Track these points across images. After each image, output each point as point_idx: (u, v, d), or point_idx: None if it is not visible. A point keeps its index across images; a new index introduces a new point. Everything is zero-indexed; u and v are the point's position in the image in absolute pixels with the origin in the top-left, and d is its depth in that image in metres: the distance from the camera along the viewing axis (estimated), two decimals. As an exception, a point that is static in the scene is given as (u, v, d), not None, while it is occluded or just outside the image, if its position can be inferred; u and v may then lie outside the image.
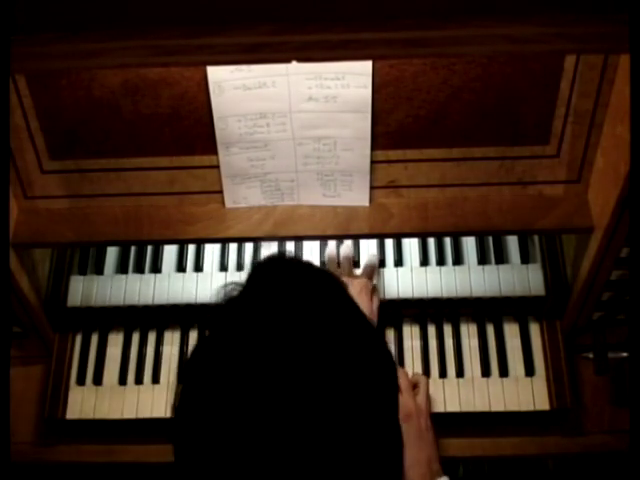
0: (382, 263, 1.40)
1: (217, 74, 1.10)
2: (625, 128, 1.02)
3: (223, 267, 1.42)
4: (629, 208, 1.06)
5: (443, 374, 1.35)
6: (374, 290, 1.33)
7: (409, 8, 0.88)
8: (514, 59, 1.09)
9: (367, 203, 1.22)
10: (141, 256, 1.42)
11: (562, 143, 1.15)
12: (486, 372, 1.34)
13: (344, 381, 0.64)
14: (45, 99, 1.14)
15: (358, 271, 1.37)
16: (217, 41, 0.90)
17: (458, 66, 1.10)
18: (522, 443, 1.32)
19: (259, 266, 0.75)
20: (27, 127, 1.16)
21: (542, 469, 1.70)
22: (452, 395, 1.33)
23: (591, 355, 1.30)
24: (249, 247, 1.43)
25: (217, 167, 1.20)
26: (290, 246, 1.41)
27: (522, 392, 1.32)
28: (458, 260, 1.40)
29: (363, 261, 1.38)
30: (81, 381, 1.38)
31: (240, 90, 1.12)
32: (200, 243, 1.41)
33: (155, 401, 1.35)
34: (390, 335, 1.39)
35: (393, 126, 1.15)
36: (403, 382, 1.20)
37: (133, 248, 1.44)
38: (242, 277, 1.32)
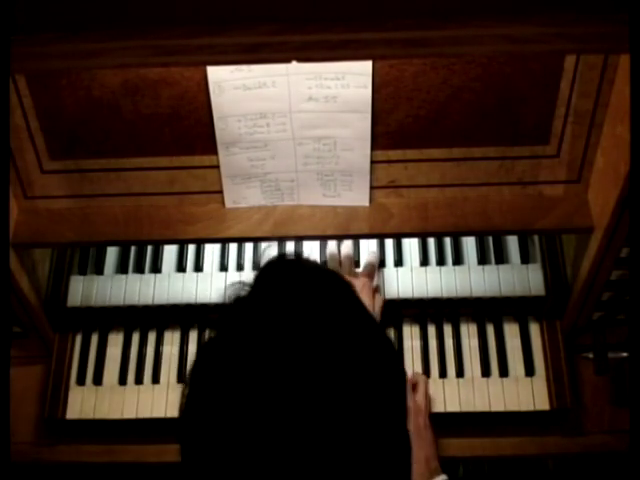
0: (382, 263, 1.40)
1: (217, 74, 1.10)
2: (625, 128, 1.02)
3: (223, 267, 1.42)
4: (629, 208, 1.06)
5: (443, 374, 1.35)
6: (376, 290, 1.33)
7: (409, 8, 0.88)
8: (514, 59, 1.09)
9: (367, 203, 1.22)
10: (141, 256, 1.42)
11: (562, 143, 1.15)
12: (486, 372, 1.34)
13: (353, 383, 0.64)
14: (45, 99, 1.14)
15: (358, 270, 1.37)
16: (217, 41, 0.90)
17: (458, 66, 1.10)
18: (522, 443, 1.32)
19: (267, 266, 0.74)
20: (27, 127, 1.16)
21: (542, 469, 1.70)
22: (452, 395, 1.33)
23: (591, 355, 1.30)
24: (249, 247, 1.43)
25: (217, 167, 1.20)
26: (290, 246, 1.41)
27: (522, 392, 1.32)
28: (458, 260, 1.40)
29: (363, 261, 1.38)
30: (81, 381, 1.38)
31: (240, 90, 1.12)
32: (200, 243, 1.41)
33: (155, 401, 1.35)
34: (390, 335, 1.39)
35: (393, 126, 1.15)
36: None
37: (133, 248, 1.44)
38: (242, 277, 1.32)
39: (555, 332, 1.36)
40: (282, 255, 0.77)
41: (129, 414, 1.34)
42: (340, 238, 1.34)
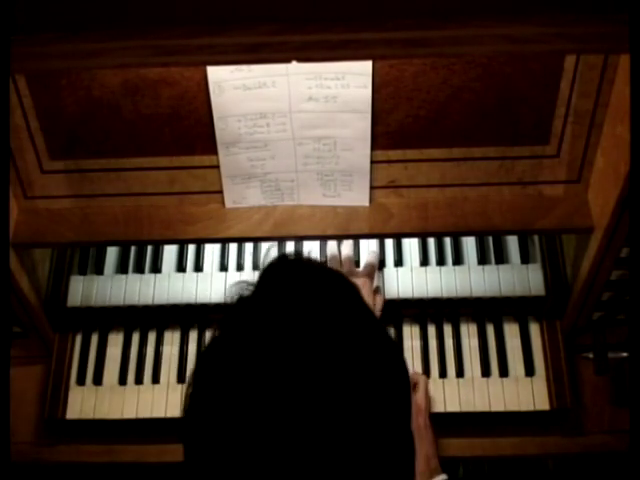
0: (382, 263, 1.40)
1: (217, 74, 1.10)
2: (625, 128, 1.02)
3: (223, 267, 1.42)
4: (629, 208, 1.06)
5: (443, 374, 1.35)
6: (377, 290, 1.33)
7: (409, 8, 0.88)
8: (514, 59, 1.09)
9: (367, 203, 1.22)
10: (141, 256, 1.42)
11: (562, 143, 1.15)
12: (486, 372, 1.34)
13: (357, 384, 0.64)
14: (45, 99, 1.14)
15: (358, 270, 1.37)
16: (217, 41, 0.90)
17: (458, 66, 1.10)
18: (522, 443, 1.32)
19: (271, 265, 0.74)
20: (27, 127, 1.16)
21: (542, 469, 1.70)
22: (452, 395, 1.33)
23: (591, 355, 1.30)
24: (249, 247, 1.43)
25: (217, 167, 1.20)
26: (290, 246, 1.41)
27: (522, 392, 1.32)
28: (458, 260, 1.40)
29: (363, 261, 1.38)
30: (81, 381, 1.38)
31: (240, 90, 1.12)
32: (200, 243, 1.41)
33: (155, 401, 1.35)
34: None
35: (393, 126, 1.15)
36: None
37: (133, 248, 1.44)
38: (242, 277, 1.32)
39: (555, 332, 1.36)
40: (286, 255, 0.76)
41: (129, 414, 1.34)
42: (340, 238, 1.34)
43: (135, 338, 1.41)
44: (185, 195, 1.23)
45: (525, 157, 1.17)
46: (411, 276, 1.38)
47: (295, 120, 1.15)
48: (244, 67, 1.10)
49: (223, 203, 1.23)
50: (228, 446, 0.62)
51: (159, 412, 1.34)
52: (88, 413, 1.35)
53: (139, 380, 1.37)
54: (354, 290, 0.72)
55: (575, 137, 1.14)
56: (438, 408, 1.31)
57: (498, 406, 1.31)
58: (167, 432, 1.33)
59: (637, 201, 0.98)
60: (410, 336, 1.39)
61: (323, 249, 1.40)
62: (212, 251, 1.44)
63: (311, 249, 1.41)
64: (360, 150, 1.17)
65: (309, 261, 0.76)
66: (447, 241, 1.42)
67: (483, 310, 1.39)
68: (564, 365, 1.33)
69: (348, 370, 0.64)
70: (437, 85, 1.11)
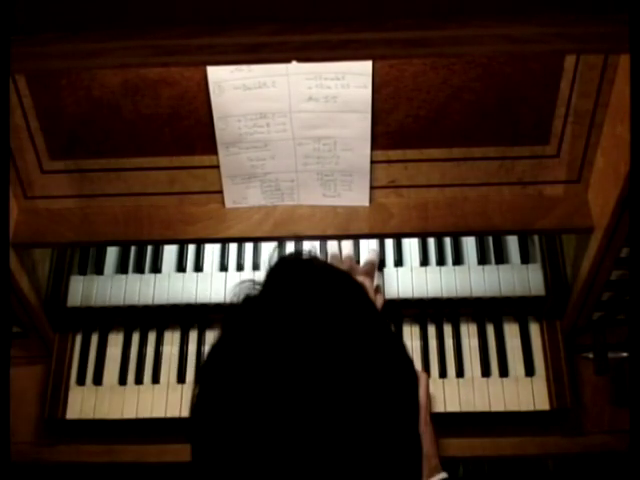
0: (382, 263, 1.40)
1: (217, 74, 1.10)
2: (625, 128, 1.02)
3: (223, 267, 1.42)
4: (629, 208, 1.06)
5: (443, 374, 1.35)
6: (377, 289, 1.33)
7: (409, 8, 0.88)
8: (514, 59, 1.09)
9: (367, 203, 1.22)
10: (141, 256, 1.42)
11: (562, 143, 1.15)
12: (486, 372, 1.34)
13: (365, 384, 0.64)
14: (45, 99, 1.14)
15: (359, 266, 1.37)
16: (217, 41, 0.90)
17: (458, 66, 1.10)
18: (522, 443, 1.32)
19: (278, 265, 0.74)
20: (27, 127, 1.16)
21: (542, 469, 1.70)
22: (452, 395, 1.33)
23: (591, 355, 1.30)
24: (249, 247, 1.43)
25: (217, 167, 1.20)
26: (290, 246, 1.41)
27: (522, 392, 1.32)
28: (458, 260, 1.40)
29: (363, 261, 1.38)
30: (81, 381, 1.38)
31: (240, 90, 1.12)
32: (200, 243, 1.41)
33: (155, 401, 1.35)
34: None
35: (393, 126, 1.15)
36: None
37: (133, 248, 1.44)
38: (242, 277, 1.32)
39: (555, 332, 1.36)
40: (293, 254, 0.76)
41: (129, 414, 1.34)
42: (340, 238, 1.33)
43: (135, 338, 1.41)
44: (185, 195, 1.23)
45: (525, 157, 1.17)
46: (411, 276, 1.38)
47: (295, 120, 1.15)
48: (244, 67, 1.10)
49: (223, 203, 1.23)
50: (236, 445, 0.62)
51: (159, 412, 1.34)
52: (88, 413, 1.35)
53: (139, 380, 1.37)
54: (361, 290, 0.72)
55: (575, 137, 1.14)
56: (438, 408, 1.31)
57: (498, 406, 1.31)
58: (167, 432, 1.33)
59: (637, 201, 0.98)
60: (410, 336, 1.39)
61: (323, 249, 1.40)
62: (212, 251, 1.44)
63: (312, 248, 1.41)
64: (360, 150, 1.17)
65: (315, 261, 0.76)
66: (447, 241, 1.42)
67: (483, 310, 1.39)
68: (564, 365, 1.33)
69: (357, 370, 0.63)
70: (437, 85, 1.11)
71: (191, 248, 1.44)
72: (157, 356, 1.39)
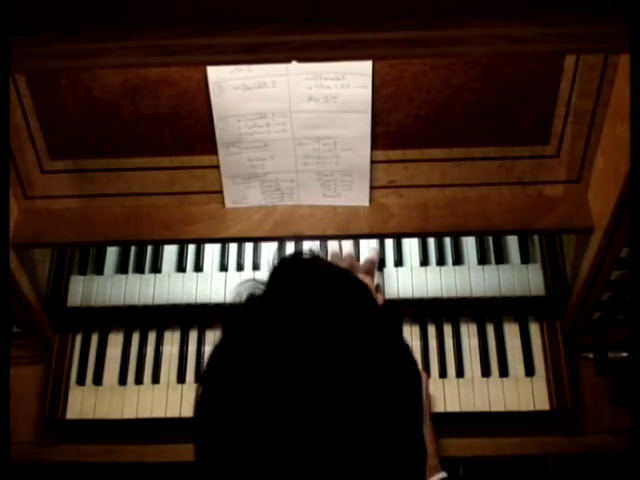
0: (382, 263, 1.40)
1: (217, 74, 1.10)
2: (625, 128, 1.02)
3: (223, 267, 1.42)
4: (629, 208, 1.06)
5: (443, 374, 1.35)
6: (378, 288, 1.33)
7: (409, 8, 0.88)
8: (514, 59, 1.09)
9: (367, 203, 1.22)
10: (141, 256, 1.42)
11: (562, 143, 1.15)
12: (486, 372, 1.34)
13: (369, 385, 0.64)
14: (45, 99, 1.14)
15: (359, 264, 1.37)
16: (217, 41, 0.90)
17: (458, 66, 1.10)
18: (522, 443, 1.32)
19: (282, 265, 0.74)
20: (27, 127, 1.16)
21: (542, 469, 1.70)
22: (452, 395, 1.33)
23: (591, 355, 1.30)
24: (249, 247, 1.43)
25: (217, 167, 1.20)
26: (290, 246, 1.41)
27: (522, 392, 1.32)
28: (458, 260, 1.40)
29: (363, 259, 1.38)
30: (81, 381, 1.38)
31: (240, 90, 1.12)
32: (200, 243, 1.41)
33: (155, 401, 1.35)
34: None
35: (393, 126, 1.15)
36: None
37: (133, 248, 1.44)
38: (242, 277, 1.32)
39: (555, 332, 1.36)
40: (297, 254, 0.76)
41: (129, 414, 1.34)
42: (340, 238, 1.33)
43: (135, 338, 1.41)
44: (185, 195, 1.23)
45: (525, 157, 1.17)
46: (411, 276, 1.38)
47: (295, 120, 1.15)
48: (244, 67, 1.10)
49: (223, 203, 1.23)
50: (240, 445, 0.62)
51: (159, 412, 1.34)
52: (88, 413, 1.35)
53: (139, 380, 1.37)
54: (365, 289, 0.72)
55: (575, 137, 1.14)
56: (438, 408, 1.31)
57: (498, 406, 1.31)
58: (167, 432, 1.33)
59: (637, 201, 0.98)
60: (410, 336, 1.39)
61: (323, 249, 1.40)
62: (212, 251, 1.44)
63: (311, 248, 1.41)
64: (360, 150, 1.17)
65: (317, 260, 0.75)
66: (447, 241, 1.42)
67: (483, 310, 1.39)
68: (564, 365, 1.33)
69: (362, 370, 0.63)
70: (437, 85, 1.11)
71: (191, 248, 1.44)
72: (157, 356, 1.39)
